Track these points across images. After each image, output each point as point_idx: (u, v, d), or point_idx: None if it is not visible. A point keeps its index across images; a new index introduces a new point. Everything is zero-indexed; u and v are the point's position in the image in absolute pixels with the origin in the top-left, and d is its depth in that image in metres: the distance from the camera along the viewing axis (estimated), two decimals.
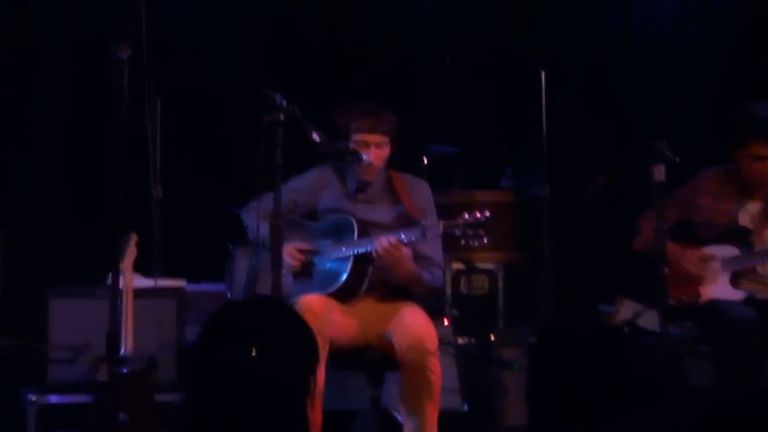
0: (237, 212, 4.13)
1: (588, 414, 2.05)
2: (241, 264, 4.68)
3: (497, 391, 4.59)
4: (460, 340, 4.70)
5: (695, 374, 4.00)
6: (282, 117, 3.52)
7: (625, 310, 4.64)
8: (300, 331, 1.98)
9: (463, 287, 5.15)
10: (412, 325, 3.70)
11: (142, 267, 4.40)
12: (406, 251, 3.67)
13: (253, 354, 1.93)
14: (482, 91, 5.49)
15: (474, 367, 4.65)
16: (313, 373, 2.06)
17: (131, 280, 4.12)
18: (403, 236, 3.66)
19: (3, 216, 4.66)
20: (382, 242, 3.64)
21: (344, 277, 3.78)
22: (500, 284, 5.18)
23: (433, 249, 3.84)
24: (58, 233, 5.21)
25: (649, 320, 4.19)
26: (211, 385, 1.95)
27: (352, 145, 3.83)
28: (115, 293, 3.35)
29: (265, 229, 3.70)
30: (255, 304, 2.23)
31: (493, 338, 4.78)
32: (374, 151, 3.85)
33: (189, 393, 2.07)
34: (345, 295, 3.78)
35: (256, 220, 3.83)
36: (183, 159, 5.10)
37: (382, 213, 3.91)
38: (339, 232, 3.87)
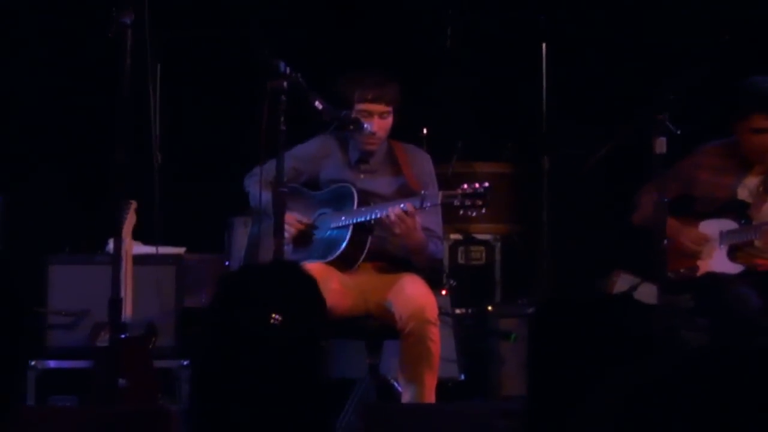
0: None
1: (589, 381, 2.06)
2: (240, 233, 4.70)
3: (494, 361, 4.62)
4: (458, 311, 4.73)
5: (692, 347, 4.02)
6: (285, 84, 3.51)
7: (621, 282, 4.66)
8: (315, 295, 1.99)
9: (460, 258, 5.17)
10: (413, 295, 3.72)
11: (141, 235, 4.40)
12: (417, 221, 3.68)
13: (273, 318, 1.92)
14: (483, 63, 5.47)
15: (471, 337, 4.68)
16: (324, 338, 2.07)
17: (131, 247, 4.13)
18: (401, 205, 3.66)
19: (1, 182, 4.65)
20: (396, 209, 3.64)
21: (343, 245, 3.79)
22: (498, 255, 5.20)
23: (433, 221, 3.85)
24: (57, 199, 5.21)
25: (646, 293, 4.21)
26: (224, 349, 1.95)
27: (355, 114, 3.83)
28: (117, 259, 3.35)
29: (267, 197, 3.70)
30: (270, 268, 2.23)
31: (490, 309, 4.80)
32: (377, 121, 3.85)
33: (198, 358, 2.07)
34: (344, 263, 3.79)
35: (258, 187, 3.83)
36: (183, 126, 5.08)
37: (383, 184, 3.92)
38: (339, 201, 3.88)
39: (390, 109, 3.87)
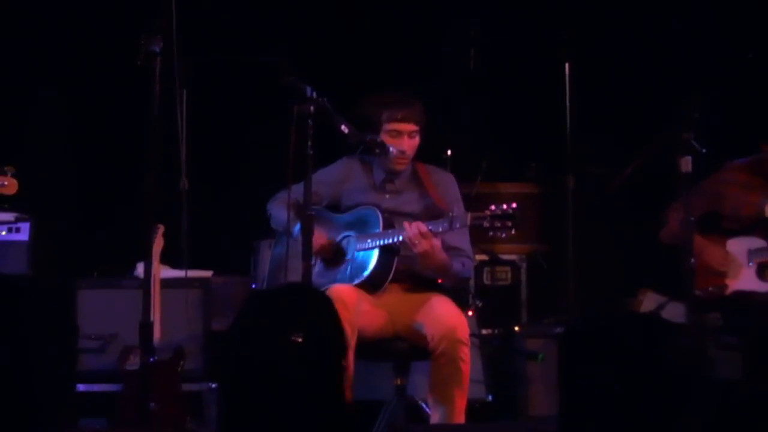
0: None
1: (622, 402, 2.06)
2: (266, 256, 4.72)
3: (521, 381, 4.60)
4: (484, 332, 4.72)
5: (721, 366, 4.01)
6: (312, 108, 3.54)
7: (648, 301, 4.65)
8: (332, 314, 2.00)
9: (486, 278, 5.17)
10: (444, 315, 3.72)
11: (167, 258, 4.43)
12: (437, 242, 3.68)
13: (291, 341, 1.94)
14: (506, 83, 5.49)
15: (498, 357, 4.67)
16: (344, 358, 2.09)
17: (158, 271, 4.16)
18: (430, 227, 3.67)
19: (31, 205, 4.70)
20: (412, 229, 3.66)
21: (371, 268, 3.80)
22: (523, 275, 5.20)
23: (462, 240, 3.86)
24: (84, 223, 5.25)
25: (673, 312, 4.20)
26: (244, 373, 1.97)
27: (383, 135, 3.85)
28: (148, 282, 3.38)
29: (285, 215, 3.73)
30: (285, 292, 2.25)
31: (517, 329, 4.79)
32: (407, 141, 3.87)
33: (222, 382, 2.09)
34: (372, 285, 3.80)
35: (282, 209, 3.85)
36: (210, 151, 5.13)
37: (409, 203, 3.93)
38: (363, 224, 3.89)
39: (418, 128, 3.90)
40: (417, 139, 3.91)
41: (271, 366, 1.95)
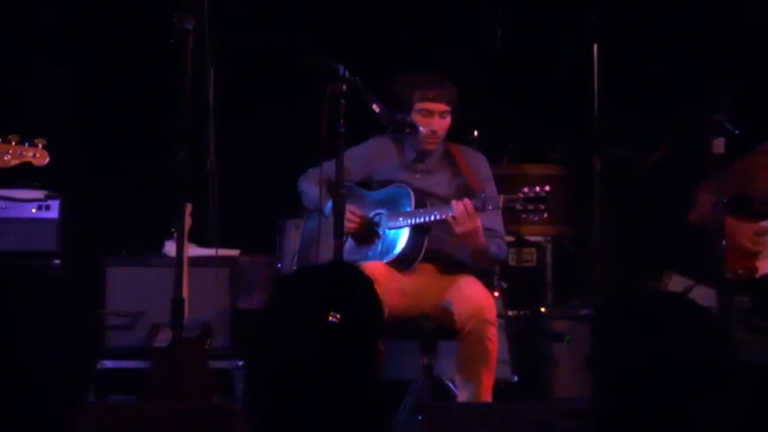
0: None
1: (655, 381, 2.06)
2: (292, 235, 4.73)
3: (547, 362, 4.61)
4: (510, 313, 4.73)
5: (749, 349, 4.00)
6: (344, 87, 3.55)
7: (674, 285, 4.63)
8: (372, 295, 2.01)
9: (511, 260, 5.17)
10: (472, 295, 3.73)
11: (194, 236, 4.45)
12: (479, 222, 3.68)
13: (331, 317, 1.94)
14: (533, 64, 5.47)
15: (524, 339, 4.68)
16: (381, 338, 2.09)
17: (187, 249, 4.17)
18: (463, 205, 3.66)
19: (61, 182, 4.73)
20: (459, 207, 3.65)
21: (402, 246, 3.81)
22: (549, 257, 5.20)
23: (496, 221, 3.86)
24: (113, 201, 5.29)
25: (699, 295, 4.18)
26: (283, 347, 1.97)
27: (414, 114, 3.85)
28: (180, 260, 3.40)
29: (318, 192, 3.74)
30: (328, 268, 2.25)
31: (543, 311, 4.80)
32: (438, 120, 3.87)
33: (257, 356, 2.09)
34: (402, 264, 3.81)
35: (313, 187, 3.87)
36: (237, 130, 5.14)
37: (441, 183, 3.93)
38: (395, 202, 3.90)
39: (449, 108, 3.89)
40: (448, 120, 3.91)
41: (308, 344, 1.95)
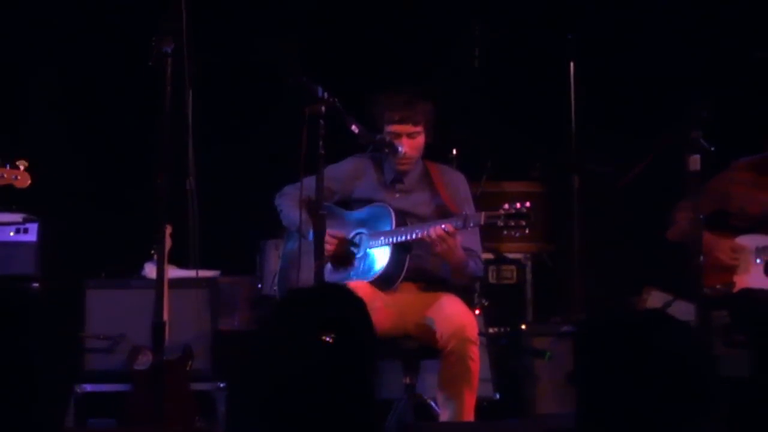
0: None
1: (637, 398, 2.07)
2: (272, 256, 4.73)
3: (528, 379, 4.62)
4: (491, 330, 4.74)
5: (728, 364, 4.02)
6: (323, 109, 3.56)
7: (654, 300, 4.66)
8: (364, 315, 2.01)
9: (492, 277, 5.19)
10: (454, 314, 3.74)
11: (174, 258, 4.43)
12: (457, 240, 3.70)
13: (324, 339, 1.93)
14: (511, 82, 5.50)
15: (505, 356, 4.69)
16: (376, 357, 2.08)
17: (167, 271, 4.16)
18: (443, 226, 3.67)
19: (39, 205, 4.70)
20: (437, 229, 3.66)
21: (384, 265, 3.82)
22: (529, 274, 5.22)
23: (473, 240, 3.88)
24: (92, 223, 5.26)
25: (678, 310, 4.21)
26: (274, 370, 1.96)
27: (386, 135, 3.86)
28: (161, 282, 3.38)
29: (298, 215, 3.74)
30: (318, 290, 2.25)
31: (524, 328, 4.81)
32: (407, 141, 3.88)
33: (245, 381, 2.07)
34: (384, 283, 3.82)
35: (293, 207, 3.87)
36: (219, 151, 5.13)
37: (420, 203, 3.94)
38: (376, 221, 3.90)
39: (419, 129, 3.90)
40: (420, 139, 3.91)
41: (303, 366, 1.94)
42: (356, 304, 2.00)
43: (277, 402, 1.93)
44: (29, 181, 3.86)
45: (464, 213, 3.71)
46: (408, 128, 3.87)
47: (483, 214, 3.66)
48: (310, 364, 1.90)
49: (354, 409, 1.92)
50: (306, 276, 3.70)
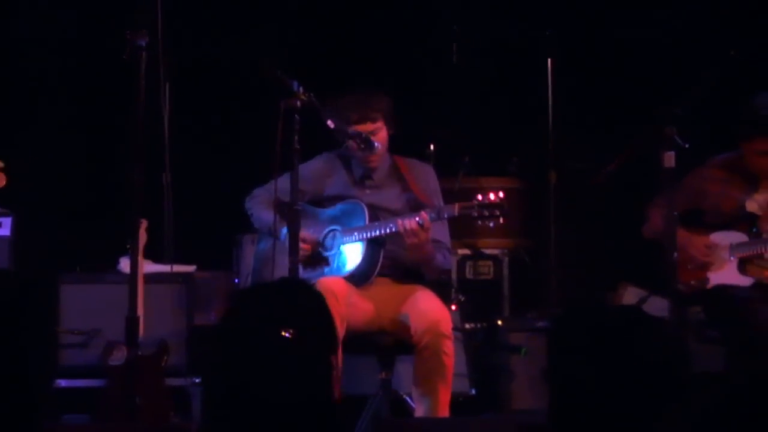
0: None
1: (609, 395, 2.07)
2: (248, 251, 4.71)
3: (505, 375, 4.63)
4: (467, 326, 4.74)
5: (702, 360, 4.05)
6: (299, 103, 3.54)
7: (629, 295, 4.69)
8: (324, 310, 2.01)
9: (468, 273, 5.19)
10: (428, 309, 3.74)
11: (150, 253, 4.42)
12: (429, 234, 3.69)
13: (285, 334, 1.94)
14: (489, 78, 5.51)
15: (481, 352, 4.70)
16: (335, 353, 2.09)
17: (142, 266, 4.14)
18: (417, 218, 3.67)
19: (13, 200, 4.67)
20: (411, 222, 3.66)
21: (358, 261, 3.81)
22: (505, 270, 5.23)
23: (442, 232, 3.88)
24: (66, 218, 5.23)
25: (653, 306, 4.24)
26: (233, 368, 1.96)
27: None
28: (135, 276, 3.36)
29: (270, 216, 3.73)
30: (279, 285, 2.24)
31: (500, 323, 4.82)
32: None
33: (210, 376, 2.07)
34: (359, 278, 3.82)
35: (264, 210, 3.86)
36: (194, 146, 5.11)
37: (390, 198, 3.94)
38: (348, 217, 3.90)
39: (378, 125, 3.88)
40: (382, 134, 3.89)
41: (261, 361, 1.94)
42: (315, 298, 2.00)
43: (238, 397, 1.94)
44: (4, 182, 3.83)
45: (437, 204, 3.71)
46: (366, 126, 3.85)
47: (457, 204, 3.65)
48: (265, 359, 1.90)
49: (313, 406, 1.92)
50: (280, 274, 3.69)
